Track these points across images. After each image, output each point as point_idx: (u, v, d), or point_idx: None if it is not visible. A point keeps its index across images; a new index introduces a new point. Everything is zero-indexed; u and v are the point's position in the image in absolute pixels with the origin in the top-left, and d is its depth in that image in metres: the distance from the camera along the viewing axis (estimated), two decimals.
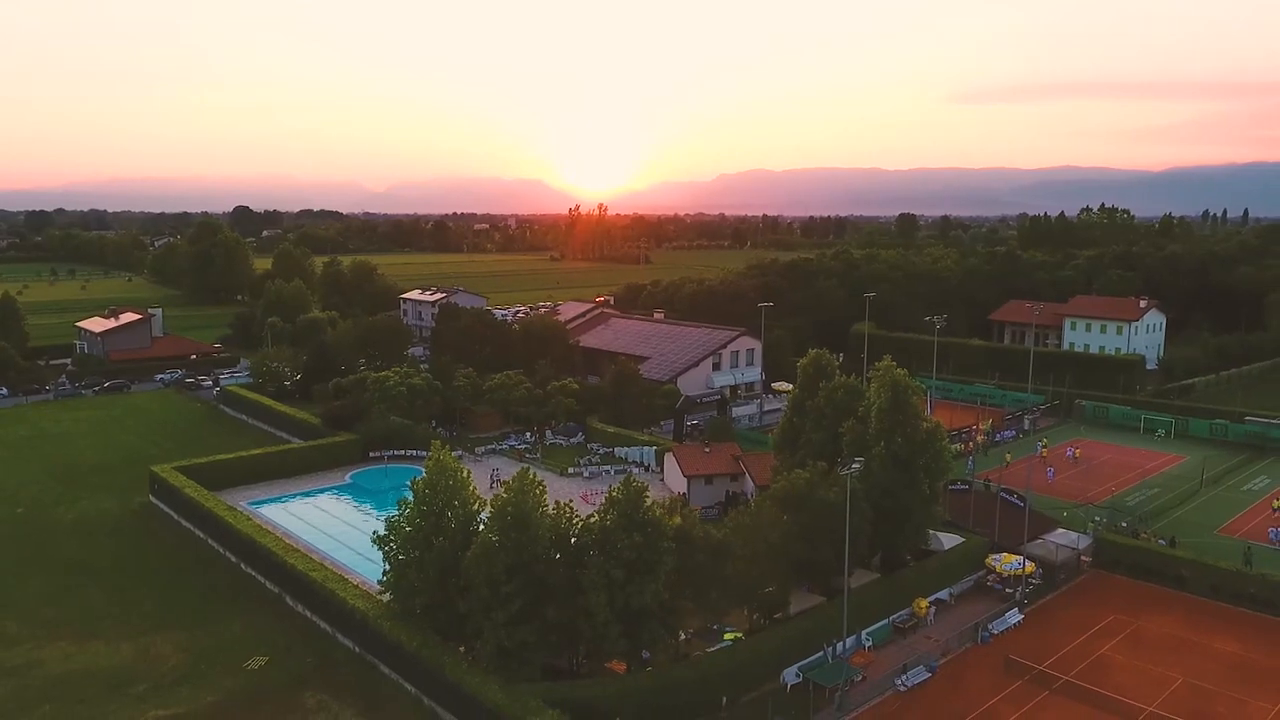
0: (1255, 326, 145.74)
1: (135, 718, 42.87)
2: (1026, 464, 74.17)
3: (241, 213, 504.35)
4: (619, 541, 42.11)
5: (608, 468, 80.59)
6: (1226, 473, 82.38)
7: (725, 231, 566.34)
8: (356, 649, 48.64)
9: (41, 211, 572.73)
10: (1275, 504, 71.44)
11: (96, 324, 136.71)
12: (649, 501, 43.53)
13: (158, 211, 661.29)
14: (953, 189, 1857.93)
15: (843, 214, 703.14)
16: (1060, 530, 62.23)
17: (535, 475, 44.71)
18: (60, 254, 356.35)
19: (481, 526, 44.92)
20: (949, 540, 58.88)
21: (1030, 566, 56.65)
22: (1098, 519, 66.29)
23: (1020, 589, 55.66)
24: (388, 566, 46.49)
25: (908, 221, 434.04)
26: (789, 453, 62.29)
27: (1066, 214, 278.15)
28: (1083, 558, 60.18)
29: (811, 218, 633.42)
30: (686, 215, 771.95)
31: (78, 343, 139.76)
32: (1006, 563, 56.89)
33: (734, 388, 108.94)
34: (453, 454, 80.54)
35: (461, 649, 44.34)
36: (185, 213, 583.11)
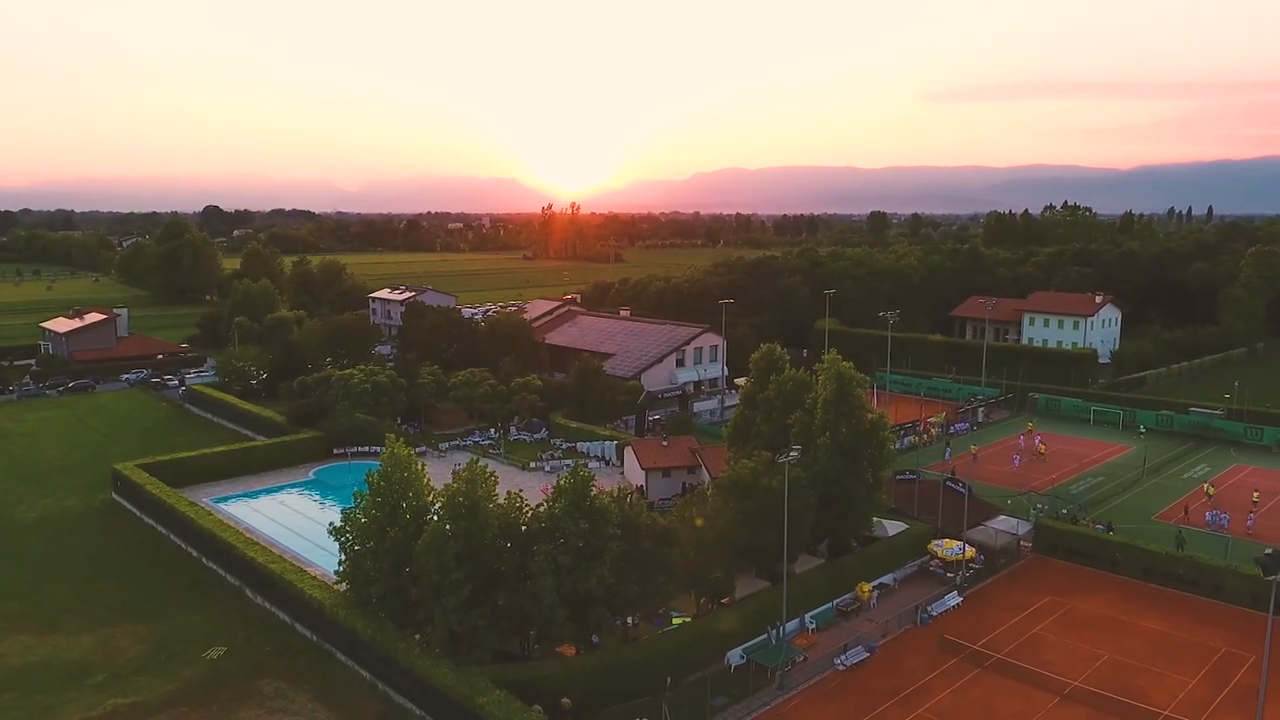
0: (1209, 321, 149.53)
1: (93, 706, 43.76)
2: (969, 454, 76.39)
3: (211, 212, 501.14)
4: (567, 529, 43.69)
5: (569, 462, 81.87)
6: (1169, 461, 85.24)
7: (699, 230, 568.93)
8: (314, 638, 49.78)
9: (7, 212, 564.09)
10: (1209, 490, 74.24)
11: (61, 324, 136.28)
12: (595, 491, 45.14)
13: (126, 211, 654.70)
14: (926, 187, 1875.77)
15: (816, 212, 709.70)
16: (1002, 517, 64.38)
17: (486, 466, 46.09)
18: (26, 254, 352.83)
19: (435, 517, 46.24)
20: (893, 527, 60.96)
21: (971, 551, 58.76)
22: (1040, 506, 68.68)
23: (960, 573, 57.75)
24: (343, 557, 47.76)
25: (878, 219, 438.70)
26: (742, 445, 64.11)
27: (1040, 211, 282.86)
28: (1022, 542, 62.46)
29: (785, 216, 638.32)
30: (661, 214, 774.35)
31: (42, 343, 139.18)
32: (948, 548, 58.99)
33: (697, 383, 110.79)
34: (415, 449, 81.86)
35: (417, 636, 45.68)
36: (154, 212, 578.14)
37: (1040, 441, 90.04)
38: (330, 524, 48.80)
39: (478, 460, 46.11)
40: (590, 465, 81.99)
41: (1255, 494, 72.62)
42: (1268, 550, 33.12)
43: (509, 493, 47.10)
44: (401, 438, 50.39)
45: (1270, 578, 31.75)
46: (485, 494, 44.46)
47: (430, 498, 47.70)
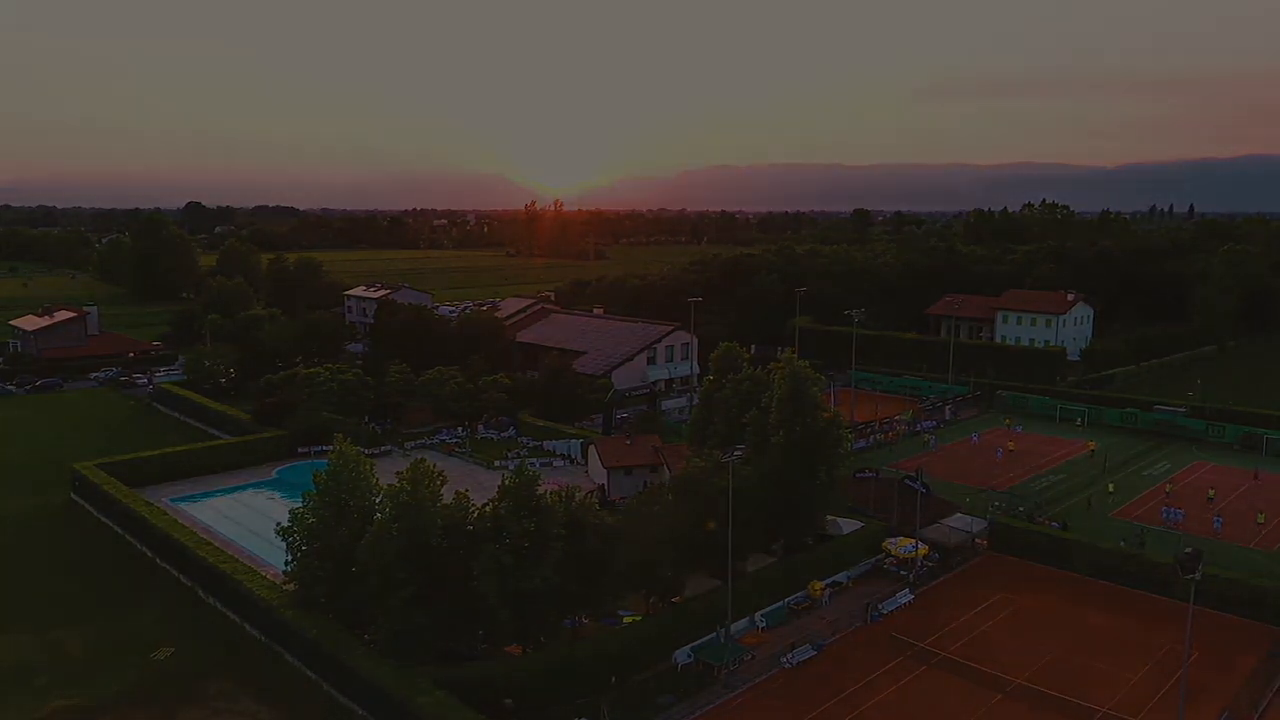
0: (1182, 319, 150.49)
1: (35, 708, 43.55)
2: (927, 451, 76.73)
3: (193, 209, 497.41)
4: (511, 528, 43.70)
5: (534, 461, 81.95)
6: (1131, 459, 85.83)
7: (684, 227, 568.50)
8: (263, 638, 49.66)
9: None
10: (1168, 488, 74.85)
11: (30, 322, 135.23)
12: (540, 489, 45.18)
13: (109, 208, 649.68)
14: (913, 184, 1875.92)
15: (804, 209, 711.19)
16: (958, 515, 64.75)
17: (433, 465, 46.02)
18: (3, 252, 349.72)
19: (380, 515, 46.13)
20: (849, 525, 61.21)
21: (924, 549, 59.05)
22: (997, 504, 69.08)
23: (914, 571, 58.03)
24: (290, 557, 47.64)
25: (862, 217, 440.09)
26: (701, 443, 64.32)
27: (1019, 209, 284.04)
28: (978, 540, 62.82)
29: (770, 213, 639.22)
30: (649, 211, 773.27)
31: (11, 341, 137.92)
32: (903, 546, 59.25)
33: (668, 381, 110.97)
34: (381, 447, 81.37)
35: (366, 636, 45.61)
36: (137, 209, 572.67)
37: (1011, 434, 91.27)
38: (277, 524, 48.66)
39: (423, 459, 46.05)
40: (556, 464, 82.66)
41: (1210, 492, 73.26)
42: (1187, 549, 33.40)
43: (457, 492, 47.06)
44: (350, 437, 50.19)
45: (1188, 576, 32.04)
46: (430, 493, 44.41)
47: (380, 497, 47.66)
